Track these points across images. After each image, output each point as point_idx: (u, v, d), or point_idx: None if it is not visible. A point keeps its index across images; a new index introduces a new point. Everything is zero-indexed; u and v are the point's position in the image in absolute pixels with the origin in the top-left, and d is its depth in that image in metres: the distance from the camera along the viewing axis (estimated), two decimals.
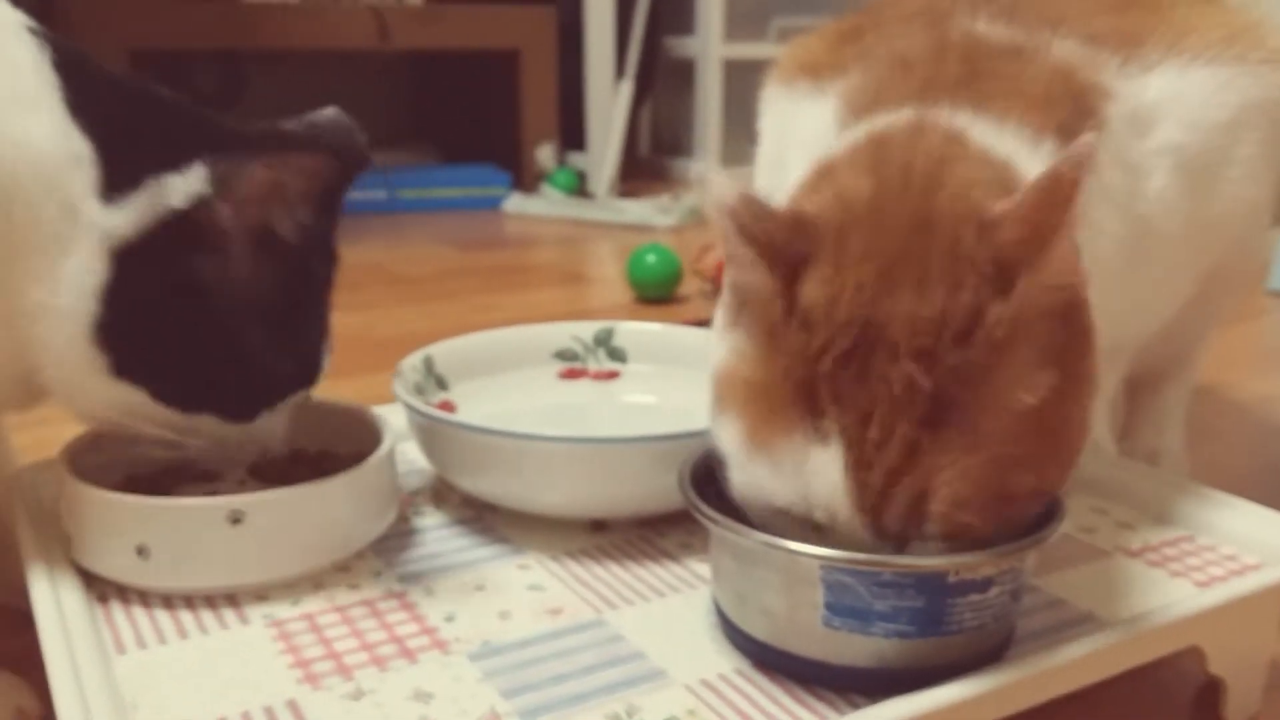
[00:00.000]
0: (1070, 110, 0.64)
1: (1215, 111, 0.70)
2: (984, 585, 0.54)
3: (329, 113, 0.67)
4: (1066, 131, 0.63)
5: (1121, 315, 0.75)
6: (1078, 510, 0.77)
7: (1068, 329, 0.52)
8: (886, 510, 0.51)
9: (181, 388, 0.63)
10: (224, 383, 0.64)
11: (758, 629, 0.58)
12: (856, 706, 0.54)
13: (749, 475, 0.55)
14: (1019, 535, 0.54)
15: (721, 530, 0.57)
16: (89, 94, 0.60)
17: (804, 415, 0.52)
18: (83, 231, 0.59)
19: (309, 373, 0.68)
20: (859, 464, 0.51)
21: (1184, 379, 0.94)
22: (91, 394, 0.62)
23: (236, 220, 0.60)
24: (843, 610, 0.54)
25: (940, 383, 0.50)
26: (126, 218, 0.59)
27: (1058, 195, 0.48)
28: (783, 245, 0.53)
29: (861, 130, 0.62)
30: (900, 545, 0.53)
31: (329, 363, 0.70)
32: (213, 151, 0.60)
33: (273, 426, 0.68)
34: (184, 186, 0.59)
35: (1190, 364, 0.94)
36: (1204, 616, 0.62)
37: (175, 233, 0.59)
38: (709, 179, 0.54)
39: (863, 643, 0.54)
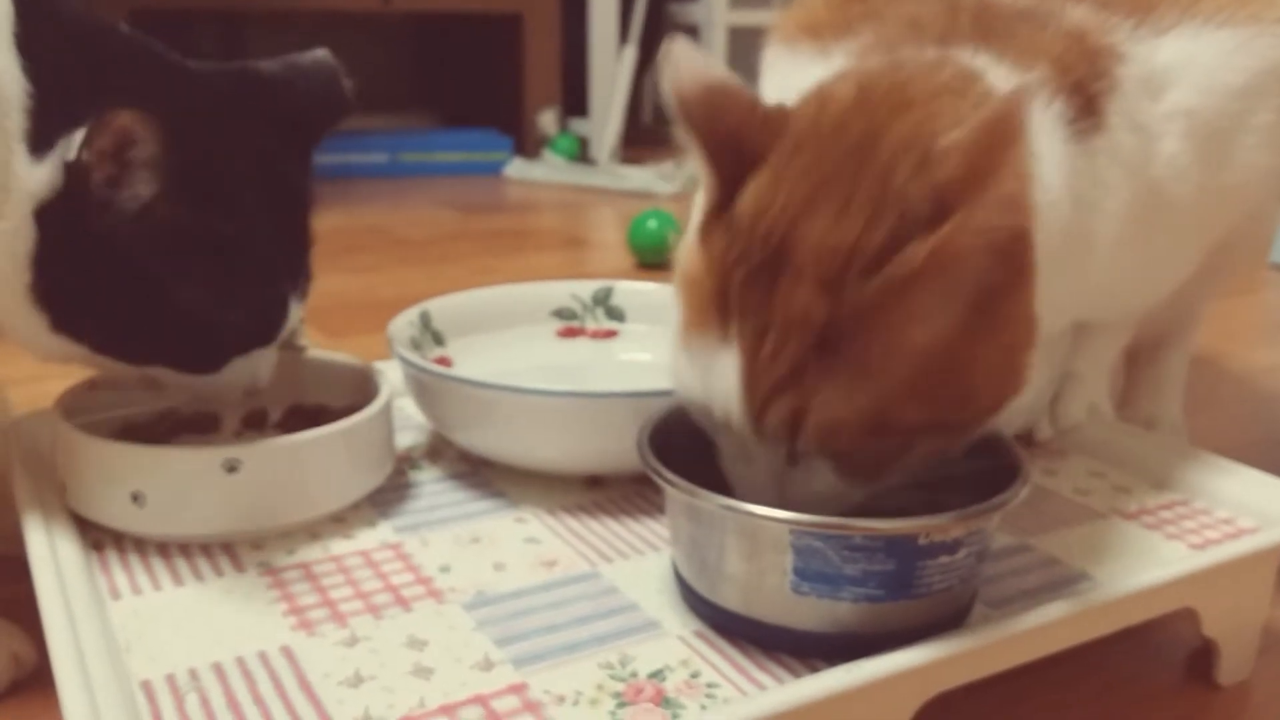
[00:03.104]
0: (1085, 70, 0.64)
1: (1229, 76, 0.69)
2: (953, 547, 0.54)
3: (316, 55, 0.66)
4: (1080, 91, 0.63)
5: (1129, 284, 0.74)
6: (1075, 473, 0.77)
7: (1003, 267, 0.51)
8: (766, 419, 0.53)
9: (122, 343, 0.62)
10: (165, 337, 0.63)
11: (719, 595, 0.57)
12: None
13: (677, 363, 0.57)
14: (983, 495, 0.55)
15: (684, 495, 0.56)
16: (41, 31, 0.58)
17: (717, 317, 0.53)
18: (14, 189, 0.57)
19: (266, 324, 0.66)
20: (750, 373, 0.52)
21: (1183, 345, 0.94)
22: (43, 344, 0.62)
23: (101, 177, 0.57)
24: (812, 575, 0.54)
25: (836, 312, 0.50)
26: (44, 176, 0.57)
27: (998, 135, 0.48)
28: (731, 145, 0.54)
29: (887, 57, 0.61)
30: (789, 454, 0.54)
31: (299, 311, 0.68)
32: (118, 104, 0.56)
33: (250, 374, 0.67)
34: (76, 140, 0.57)
35: (1190, 331, 0.94)
36: (1198, 578, 0.61)
37: (71, 191, 0.57)
38: (675, 54, 0.53)
39: (831, 607, 0.54)
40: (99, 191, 0.57)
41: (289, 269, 0.67)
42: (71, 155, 0.57)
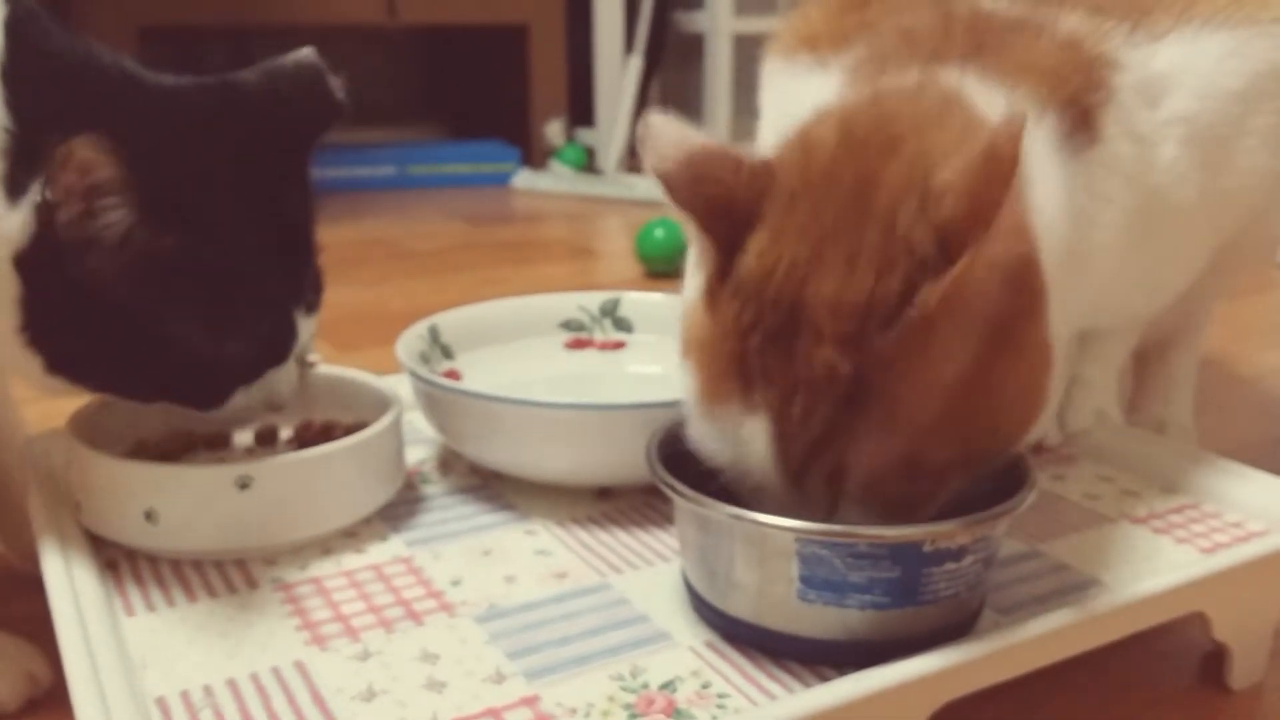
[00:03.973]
0: (1079, 83, 0.64)
1: (1228, 80, 0.69)
2: (958, 554, 0.54)
3: (300, 56, 0.65)
4: (1074, 105, 0.63)
5: (1134, 290, 0.74)
6: (1083, 478, 0.77)
7: (1014, 295, 0.52)
8: (808, 480, 0.53)
9: (120, 383, 0.62)
10: (164, 375, 0.62)
11: (728, 603, 0.58)
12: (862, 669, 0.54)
13: (699, 431, 0.56)
14: (991, 502, 0.55)
15: (691, 505, 0.57)
16: (29, 65, 0.57)
17: (737, 386, 0.53)
18: None
19: (272, 347, 0.65)
20: (782, 437, 0.52)
21: (1191, 348, 0.94)
22: (45, 383, 0.62)
23: (71, 214, 0.55)
24: (817, 583, 0.54)
25: (861, 366, 0.50)
26: (18, 222, 0.56)
27: (996, 169, 0.48)
28: (721, 210, 0.53)
29: (869, 88, 0.61)
30: (830, 507, 0.54)
31: (309, 327, 0.67)
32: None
33: (265, 394, 0.66)
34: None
35: (1198, 333, 0.94)
36: (1208, 582, 0.61)
37: (44, 234, 0.56)
38: (651, 131, 0.53)
39: (838, 615, 0.54)
40: (69, 230, 0.55)
41: (291, 285, 0.65)
42: (39, 197, 0.55)
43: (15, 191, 0.56)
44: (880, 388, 0.50)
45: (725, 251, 0.54)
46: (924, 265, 0.50)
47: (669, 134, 0.54)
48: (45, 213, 0.55)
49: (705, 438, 0.56)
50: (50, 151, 0.53)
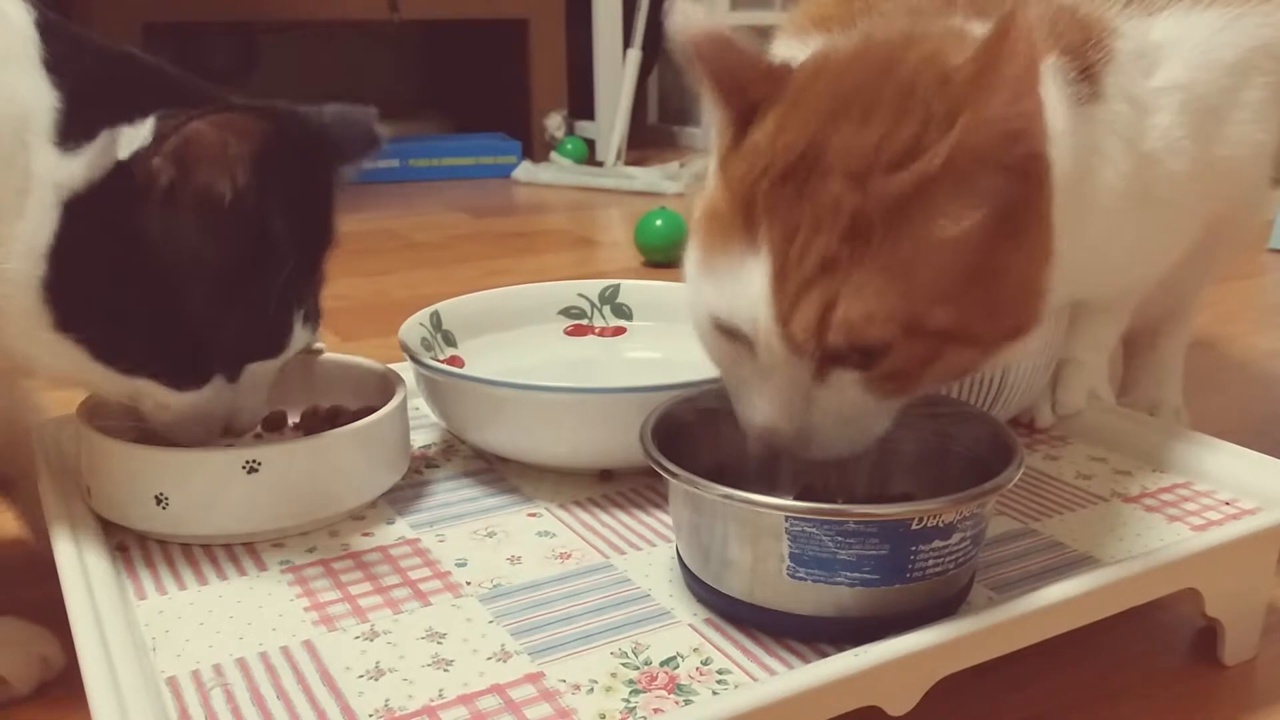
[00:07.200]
0: (1081, 39, 0.66)
1: (1220, 52, 0.71)
2: (947, 531, 0.55)
3: (360, 106, 0.69)
4: (1074, 54, 0.64)
5: (1125, 257, 0.75)
6: (1076, 458, 0.78)
7: (1021, 184, 0.54)
8: (796, 318, 0.53)
9: (120, 346, 0.62)
10: (161, 345, 0.62)
11: (722, 582, 0.58)
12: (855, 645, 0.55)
13: (696, 292, 0.58)
14: (979, 481, 0.56)
15: (684, 485, 0.57)
16: (66, 53, 0.60)
17: (743, 230, 0.55)
18: (37, 189, 0.58)
19: (265, 343, 0.66)
20: (779, 273, 0.53)
21: (1181, 331, 0.95)
22: (42, 352, 0.62)
23: (171, 175, 0.59)
24: (807, 561, 0.55)
25: (866, 203, 0.52)
26: (77, 168, 0.59)
27: (1003, 31, 0.49)
28: (741, 83, 0.55)
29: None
30: (817, 365, 0.54)
31: (306, 336, 0.67)
32: (173, 107, 0.59)
33: (234, 400, 0.66)
34: (131, 138, 0.58)
35: (1187, 316, 0.95)
36: (1200, 558, 0.62)
37: (117, 185, 0.59)
38: (679, 8, 0.55)
39: (828, 592, 0.55)
40: (161, 189, 0.59)
41: (301, 290, 0.66)
42: (122, 147, 0.58)
43: (72, 142, 0.59)
44: (881, 229, 0.51)
45: (741, 122, 0.55)
46: (936, 125, 0.52)
47: (697, 12, 0.56)
48: (141, 158, 0.58)
49: (702, 295, 0.57)
50: (140, 113, 0.58)
